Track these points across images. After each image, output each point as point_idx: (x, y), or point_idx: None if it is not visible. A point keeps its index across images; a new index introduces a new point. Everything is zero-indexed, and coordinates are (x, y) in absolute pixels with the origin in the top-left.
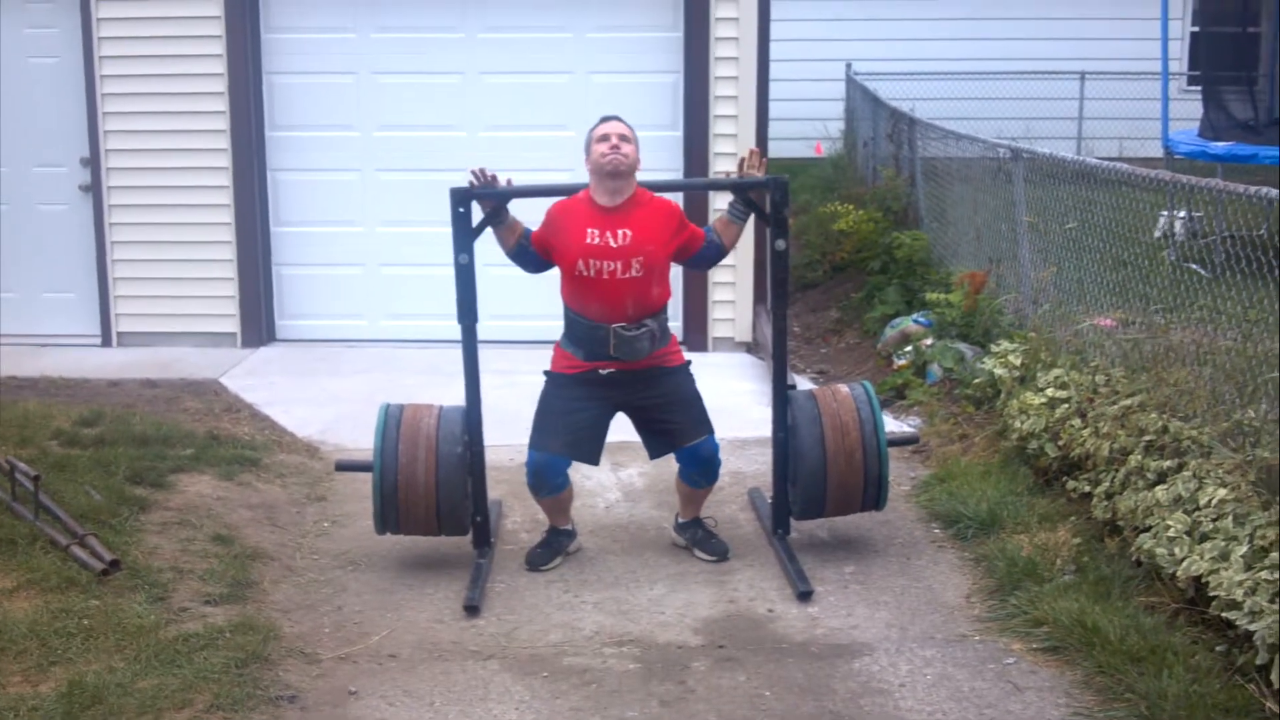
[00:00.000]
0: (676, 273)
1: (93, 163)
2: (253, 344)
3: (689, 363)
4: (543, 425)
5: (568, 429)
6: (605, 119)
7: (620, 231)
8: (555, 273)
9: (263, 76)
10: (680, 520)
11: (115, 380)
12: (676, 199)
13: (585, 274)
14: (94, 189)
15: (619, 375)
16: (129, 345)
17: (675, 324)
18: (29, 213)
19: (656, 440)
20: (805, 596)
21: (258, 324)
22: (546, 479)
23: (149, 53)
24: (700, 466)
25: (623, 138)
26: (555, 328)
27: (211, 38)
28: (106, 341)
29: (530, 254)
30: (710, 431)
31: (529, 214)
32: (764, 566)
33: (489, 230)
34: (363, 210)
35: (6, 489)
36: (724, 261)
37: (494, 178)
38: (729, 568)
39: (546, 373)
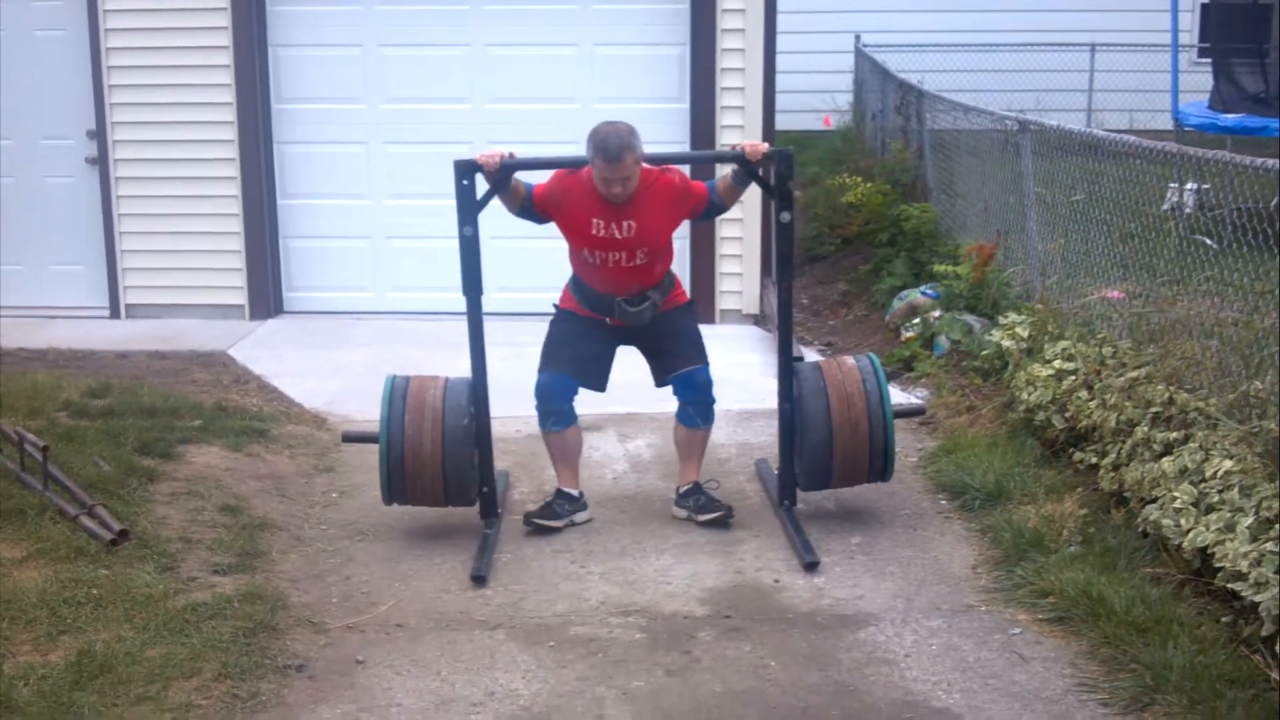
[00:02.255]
0: (683, 245)
1: (99, 135)
2: (260, 316)
3: (692, 301)
4: (551, 350)
5: (575, 354)
6: (608, 156)
7: (625, 223)
8: (561, 245)
9: (268, 49)
10: (680, 489)
11: (123, 352)
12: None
13: (590, 261)
14: (100, 161)
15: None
16: (137, 317)
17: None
18: (36, 185)
19: (656, 364)
20: (811, 567)
21: (265, 296)
22: (554, 402)
23: (155, 25)
24: (694, 394)
25: (624, 180)
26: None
27: (217, 9)
28: (114, 314)
29: (533, 214)
30: (705, 362)
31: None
32: (770, 537)
33: (495, 202)
34: (369, 183)
35: (15, 459)
36: (731, 234)
37: (505, 156)
38: (735, 538)
39: (555, 306)
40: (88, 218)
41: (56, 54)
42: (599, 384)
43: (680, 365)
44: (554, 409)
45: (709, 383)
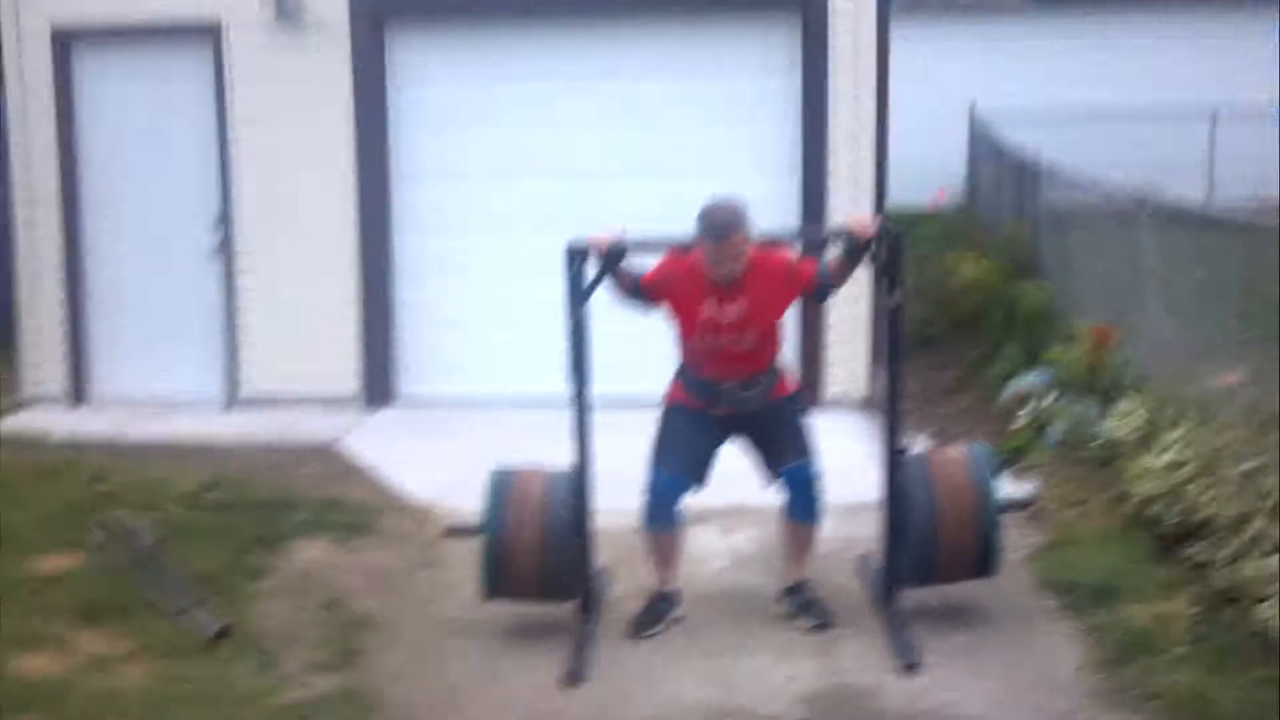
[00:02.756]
0: (791, 329)
1: (224, 223)
2: (375, 405)
3: (800, 391)
4: (664, 446)
5: (687, 451)
6: (715, 235)
7: (735, 305)
8: (670, 336)
9: (388, 132)
10: (785, 586)
11: (238, 444)
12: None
13: (700, 345)
14: (225, 249)
15: (732, 414)
16: (254, 407)
17: (792, 375)
18: (161, 273)
19: (761, 460)
20: (911, 668)
21: (381, 385)
22: (666, 503)
23: (281, 114)
24: (799, 490)
25: (734, 259)
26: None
27: (339, 99)
28: (232, 402)
29: (642, 298)
30: (811, 457)
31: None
32: (871, 636)
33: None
34: (489, 269)
35: (127, 553)
36: (841, 315)
37: (615, 239)
38: (835, 636)
39: (663, 400)
40: (210, 306)
41: (186, 140)
42: (704, 481)
43: (789, 459)
44: (664, 510)
45: (816, 477)
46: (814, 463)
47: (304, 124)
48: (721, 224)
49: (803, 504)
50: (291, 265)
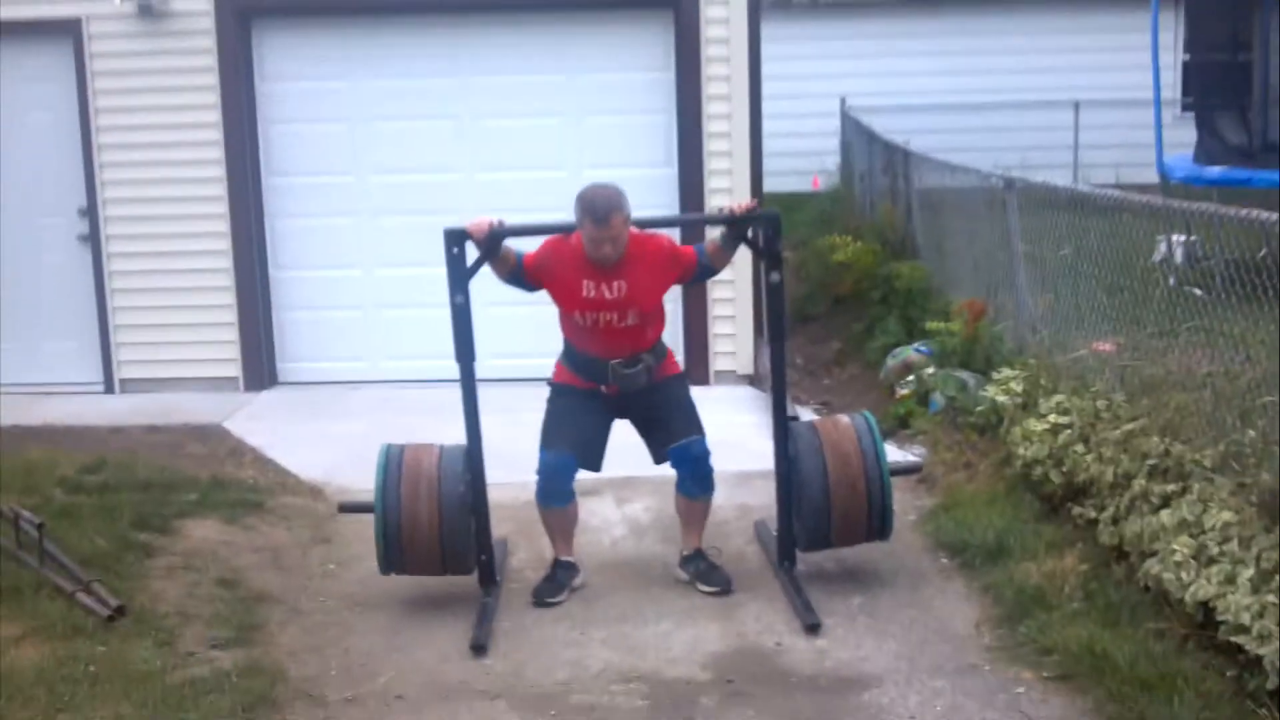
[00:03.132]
0: (675, 309)
1: (90, 213)
2: (255, 388)
3: (684, 372)
4: (552, 428)
5: (576, 432)
6: (596, 217)
7: (615, 284)
8: (554, 310)
9: (258, 124)
10: (684, 554)
11: (118, 427)
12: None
13: (582, 324)
14: (92, 239)
15: (619, 394)
16: (131, 392)
17: (676, 357)
18: (29, 263)
19: (651, 440)
20: (813, 629)
21: (259, 368)
22: (557, 483)
23: (143, 104)
24: (692, 467)
25: (613, 240)
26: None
27: (205, 88)
28: (109, 388)
29: (523, 282)
30: (701, 433)
31: (525, 245)
32: (771, 600)
33: (486, 269)
34: (360, 254)
35: (11, 537)
36: (723, 295)
37: (494, 225)
38: (736, 601)
39: (550, 383)
40: (80, 294)
41: (47, 134)
42: (595, 464)
43: (677, 437)
44: (556, 488)
45: (706, 454)
46: (701, 440)
47: (171, 115)
48: (602, 207)
49: (695, 479)
50: (162, 252)
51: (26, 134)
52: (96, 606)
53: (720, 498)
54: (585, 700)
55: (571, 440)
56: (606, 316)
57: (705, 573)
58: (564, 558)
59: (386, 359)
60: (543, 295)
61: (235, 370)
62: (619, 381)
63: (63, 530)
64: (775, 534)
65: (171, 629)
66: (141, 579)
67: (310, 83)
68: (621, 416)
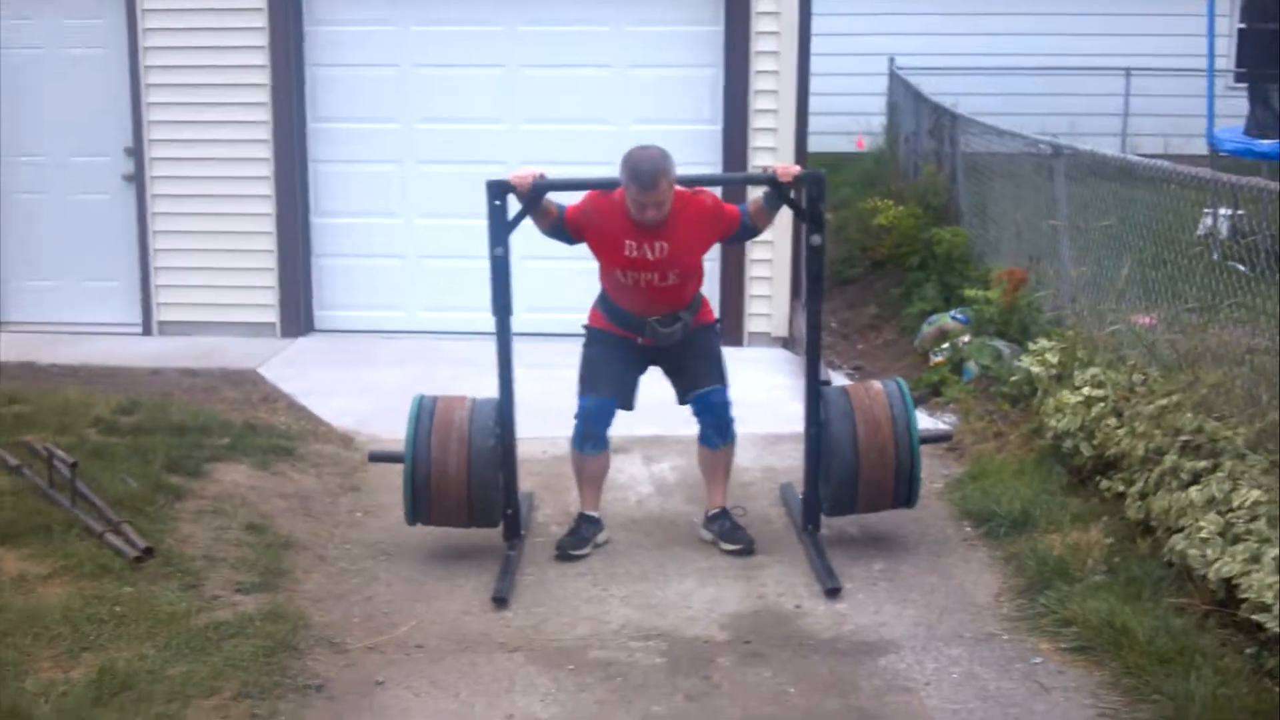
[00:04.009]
0: (713, 268)
1: (136, 153)
2: (291, 334)
3: (717, 320)
4: (590, 372)
5: (615, 376)
6: (641, 182)
7: (658, 244)
8: (592, 265)
9: (305, 68)
10: (708, 513)
11: (155, 369)
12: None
13: (623, 281)
14: (137, 179)
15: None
16: (170, 334)
17: (711, 305)
18: (72, 202)
19: (677, 382)
20: (833, 593)
21: (296, 314)
22: (597, 426)
23: (192, 44)
24: (711, 415)
25: (658, 205)
26: None
27: (254, 29)
28: (148, 330)
29: (564, 234)
30: (723, 383)
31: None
32: (793, 562)
33: (526, 222)
34: (403, 202)
35: (44, 475)
36: (761, 256)
37: (537, 178)
38: (758, 563)
39: (586, 327)
40: (123, 234)
41: (95, 72)
42: (630, 405)
43: (700, 385)
44: (594, 432)
45: (726, 404)
46: (723, 390)
47: (219, 55)
48: (648, 172)
49: (715, 428)
50: (206, 195)
51: (75, 71)
52: (124, 547)
53: (748, 460)
54: (603, 656)
55: (610, 385)
56: (648, 276)
57: (728, 531)
58: (589, 511)
59: (423, 309)
60: (581, 250)
61: (273, 316)
62: (655, 338)
63: (96, 470)
64: (801, 497)
65: (198, 572)
66: (171, 521)
67: (359, 27)
68: (654, 363)
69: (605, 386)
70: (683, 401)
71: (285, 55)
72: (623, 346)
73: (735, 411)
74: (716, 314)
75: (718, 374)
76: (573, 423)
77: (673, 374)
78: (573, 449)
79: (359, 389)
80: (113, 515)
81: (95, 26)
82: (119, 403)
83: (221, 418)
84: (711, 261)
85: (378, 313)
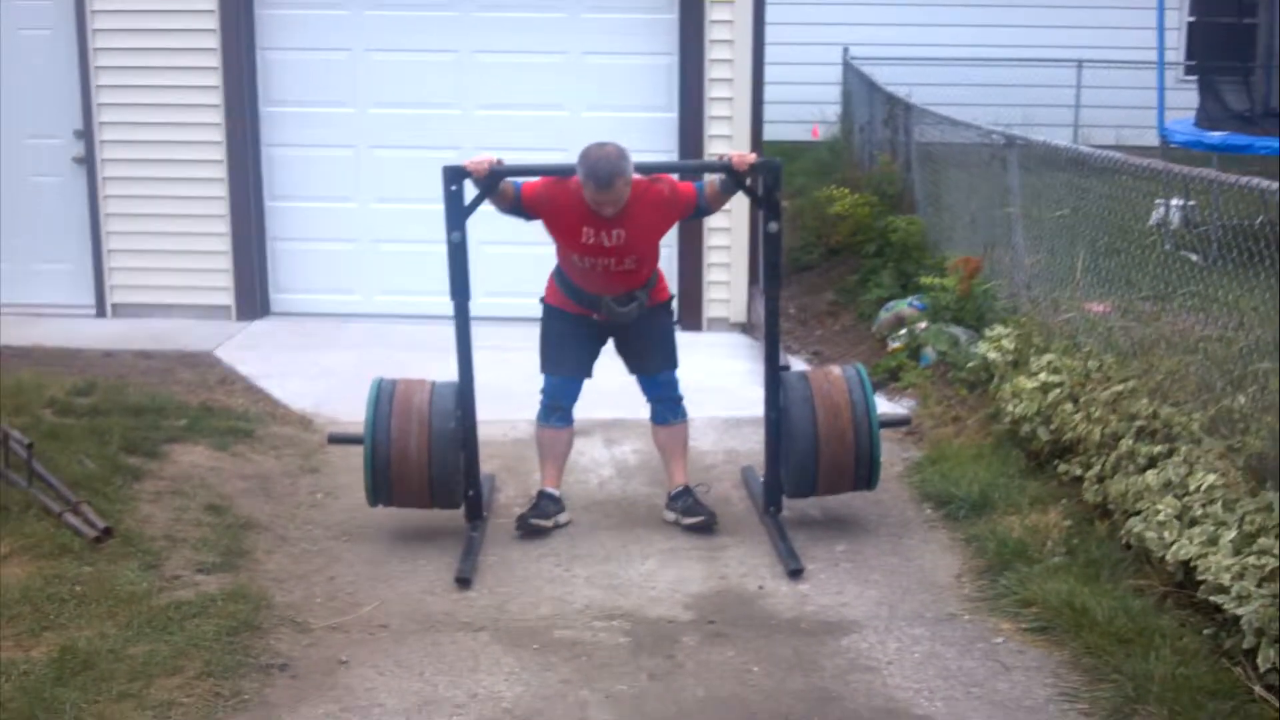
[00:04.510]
0: (671, 253)
1: (86, 135)
2: (247, 317)
3: (671, 298)
4: (552, 352)
5: (575, 351)
6: (599, 182)
7: (615, 232)
8: (549, 250)
9: (256, 52)
10: (671, 492)
11: (109, 350)
12: None
13: (579, 264)
14: (88, 161)
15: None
16: (123, 316)
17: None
18: (23, 184)
19: (627, 359)
20: (796, 574)
21: (252, 297)
22: (563, 399)
23: (143, 26)
24: (658, 391)
25: (614, 202)
26: None
27: (204, 12)
28: (101, 312)
29: (521, 212)
30: (672, 367)
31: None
32: (756, 544)
33: (483, 207)
34: (357, 186)
35: (0, 456)
36: (719, 243)
37: (494, 164)
38: (720, 544)
39: (543, 302)
40: (75, 216)
41: (44, 53)
42: (589, 375)
43: (650, 369)
44: (560, 405)
45: (673, 382)
46: (671, 371)
47: (170, 38)
48: (605, 173)
49: (665, 406)
50: (158, 178)
51: (23, 52)
52: (84, 528)
53: (709, 443)
54: (567, 635)
55: (571, 361)
56: (604, 261)
57: (690, 507)
58: (549, 489)
59: (379, 293)
60: (539, 234)
61: (228, 299)
62: (611, 315)
63: (52, 451)
64: (762, 480)
65: (158, 552)
66: (129, 502)
67: (311, 10)
68: (610, 335)
69: (568, 363)
70: (633, 372)
71: (236, 38)
72: (580, 323)
73: (696, 396)
74: (675, 307)
75: (667, 357)
76: (537, 401)
77: (624, 350)
78: (538, 423)
79: (316, 372)
80: (71, 496)
81: (43, 7)
82: (74, 384)
83: (178, 399)
84: (669, 247)
85: (334, 296)
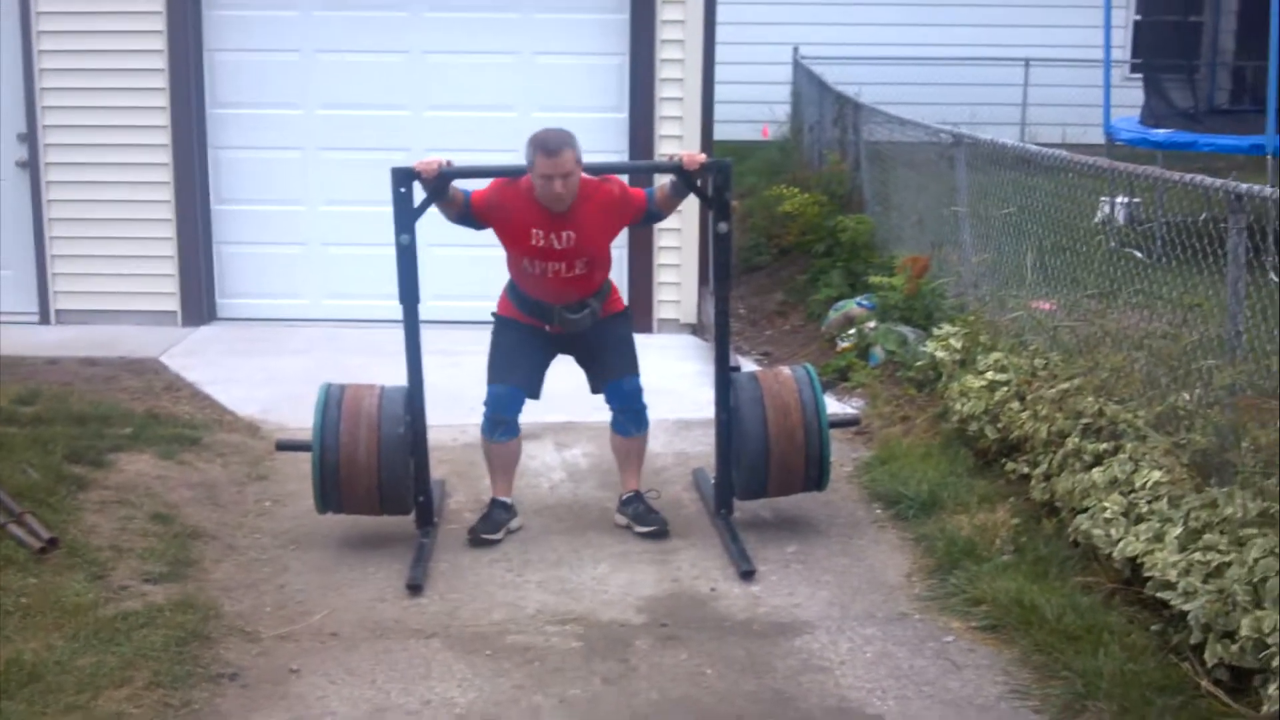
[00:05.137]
0: (621, 255)
1: (30, 138)
2: (193, 322)
3: (627, 309)
4: (499, 362)
5: (524, 365)
6: (547, 150)
7: (565, 234)
8: (499, 254)
9: (204, 53)
10: (622, 497)
11: (53, 358)
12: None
13: (530, 270)
14: (31, 164)
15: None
16: (67, 323)
17: (620, 293)
18: None
19: (590, 373)
20: (747, 575)
21: (198, 302)
22: (506, 413)
23: (87, 28)
24: (624, 402)
25: (564, 176)
26: None
27: (151, 13)
28: (44, 319)
29: (471, 220)
30: (636, 372)
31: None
32: (707, 546)
33: (432, 209)
34: (305, 189)
35: None
36: (669, 244)
37: (443, 164)
38: (672, 547)
39: (494, 314)
40: (17, 221)
41: None
42: (536, 394)
43: (612, 375)
44: (503, 419)
45: (638, 391)
46: (635, 378)
47: (115, 40)
48: (554, 141)
49: (629, 417)
50: (102, 181)
51: None
52: (28, 539)
53: (659, 445)
54: (520, 641)
55: (520, 373)
56: (555, 265)
57: (642, 514)
58: (501, 498)
59: (328, 297)
60: (488, 237)
61: (174, 304)
62: (564, 325)
63: None
64: (713, 482)
65: (104, 562)
66: (75, 512)
67: (259, 11)
68: (564, 352)
69: (514, 374)
70: (596, 391)
71: (184, 40)
72: (531, 334)
73: (646, 398)
74: (625, 302)
75: (629, 363)
76: (482, 410)
77: (585, 364)
78: (483, 437)
79: (264, 378)
80: (14, 506)
81: None
82: (17, 392)
83: (123, 407)
84: (620, 249)
85: (282, 300)
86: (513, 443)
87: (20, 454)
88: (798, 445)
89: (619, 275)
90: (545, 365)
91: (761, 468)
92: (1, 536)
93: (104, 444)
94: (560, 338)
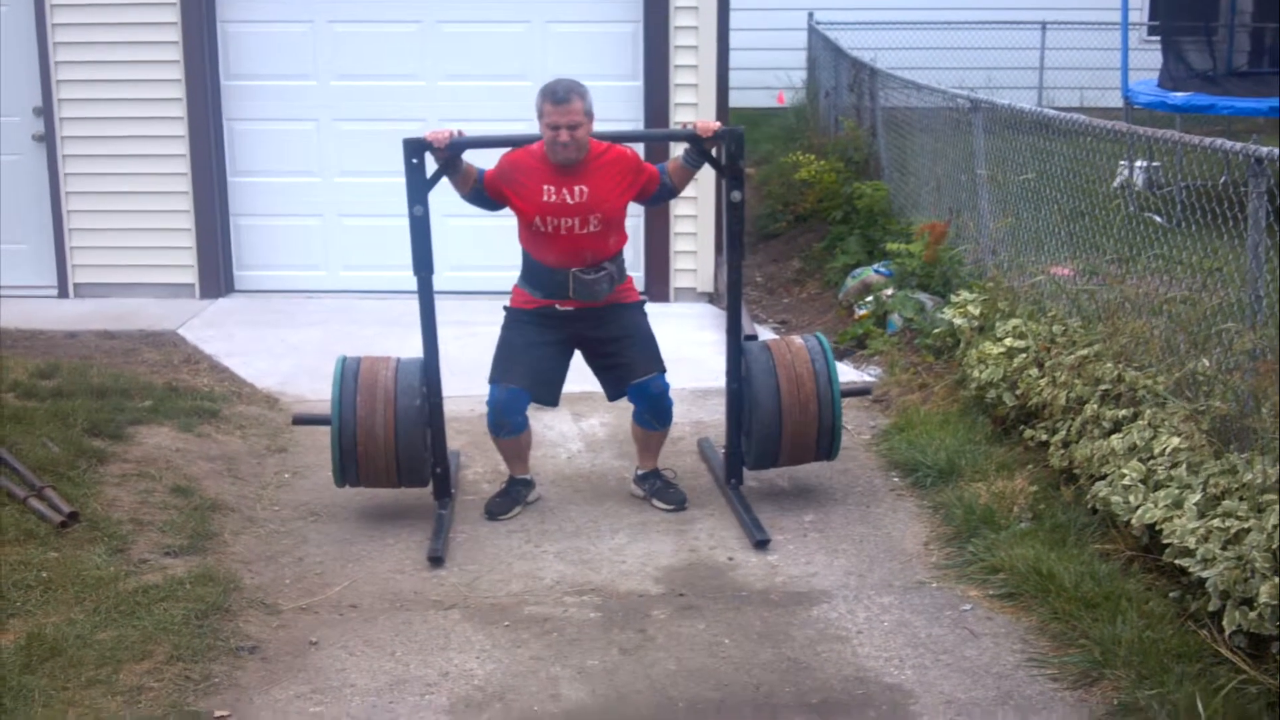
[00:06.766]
0: (637, 224)
1: (45, 112)
2: (211, 295)
3: (644, 300)
4: (503, 361)
5: (529, 365)
6: (555, 98)
7: (577, 188)
8: (513, 223)
9: (217, 25)
10: (639, 472)
11: (72, 332)
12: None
13: (543, 230)
14: (48, 139)
15: (577, 311)
16: (86, 296)
17: (637, 274)
18: None
19: (609, 376)
20: (763, 545)
21: (215, 275)
22: (508, 416)
23: (101, 0)
24: (649, 404)
25: (571, 126)
26: (514, 279)
27: None
28: (63, 293)
29: (484, 198)
30: (661, 370)
31: (486, 160)
32: (725, 516)
33: (446, 180)
34: (320, 160)
35: None
36: (685, 212)
37: (454, 134)
38: (689, 517)
39: (505, 309)
40: (35, 196)
41: (1, 29)
42: (552, 399)
43: (634, 376)
44: (507, 420)
45: (665, 389)
46: (660, 377)
47: (128, 12)
48: (562, 89)
49: (654, 413)
50: (119, 155)
51: None
52: (49, 512)
53: (677, 414)
54: (539, 611)
55: (523, 374)
56: (568, 222)
57: (661, 490)
58: (519, 475)
59: (344, 269)
60: (503, 208)
61: (191, 276)
62: (579, 291)
63: (15, 435)
64: (721, 451)
65: (125, 536)
66: (95, 486)
67: None
68: (578, 346)
69: (517, 375)
70: (615, 396)
71: (197, 11)
72: (543, 329)
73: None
74: (642, 277)
75: (654, 359)
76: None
77: (603, 364)
78: (491, 434)
79: (282, 349)
80: (35, 480)
81: None
82: (37, 366)
83: (143, 380)
84: (636, 217)
85: (298, 272)
86: (521, 437)
87: (40, 428)
88: (811, 416)
89: (635, 242)
90: (562, 365)
91: (774, 438)
92: (22, 511)
93: (124, 417)
94: (574, 326)
